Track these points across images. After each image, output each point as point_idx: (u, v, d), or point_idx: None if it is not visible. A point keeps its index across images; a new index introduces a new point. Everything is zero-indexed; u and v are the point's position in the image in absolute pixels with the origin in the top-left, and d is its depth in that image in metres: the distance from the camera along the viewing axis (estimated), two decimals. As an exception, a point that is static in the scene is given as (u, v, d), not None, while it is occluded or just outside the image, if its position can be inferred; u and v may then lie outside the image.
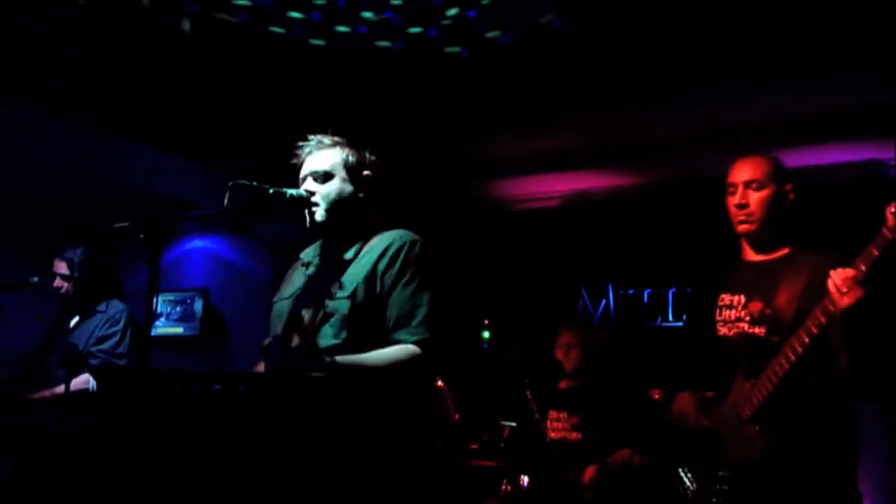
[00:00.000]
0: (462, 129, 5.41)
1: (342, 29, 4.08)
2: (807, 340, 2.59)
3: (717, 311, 2.94)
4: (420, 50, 4.26)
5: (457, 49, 4.17)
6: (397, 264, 2.53)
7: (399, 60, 4.39)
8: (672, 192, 5.98)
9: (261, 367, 2.72)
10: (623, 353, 5.80)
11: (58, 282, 4.53)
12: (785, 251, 2.88)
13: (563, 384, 4.96)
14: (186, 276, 7.23)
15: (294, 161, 2.71)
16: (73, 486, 3.91)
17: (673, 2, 3.83)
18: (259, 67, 4.62)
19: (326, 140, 2.70)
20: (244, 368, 3.37)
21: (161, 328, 7.03)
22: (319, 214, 2.61)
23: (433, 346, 2.49)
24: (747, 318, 2.85)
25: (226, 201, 2.41)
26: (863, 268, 2.47)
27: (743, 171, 2.89)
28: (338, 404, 2.17)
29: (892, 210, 2.43)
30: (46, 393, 4.26)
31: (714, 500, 2.74)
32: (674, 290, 6.25)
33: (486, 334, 6.52)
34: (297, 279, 2.75)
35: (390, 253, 2.55)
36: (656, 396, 3.87)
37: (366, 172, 2.69)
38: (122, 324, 4.44)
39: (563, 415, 4.81)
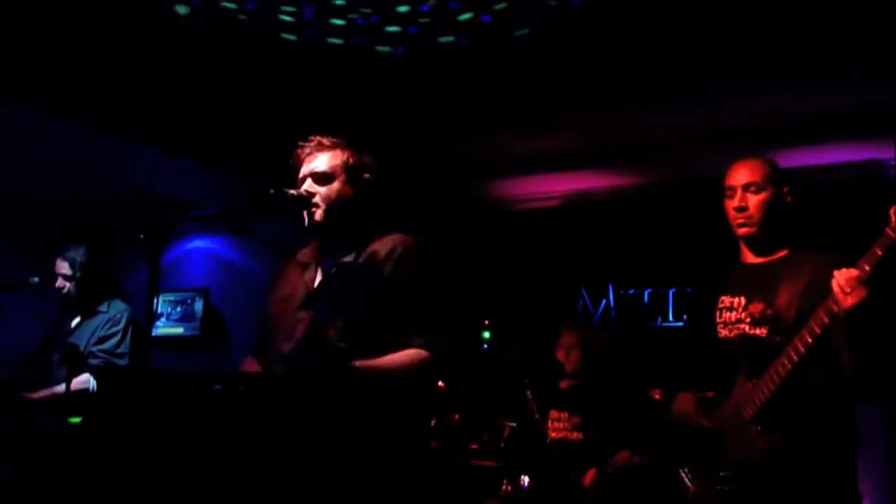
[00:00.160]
0: (462, 128, 5.41)
1: (338, 21, 4.07)
2: (810, 340, 2.59)
3: (718, 313, 2.94)
4: (420, 50, 4.27)
5: (450, 38, 4.15)
6: (403, 268, 2.54)
7: (399, 60, 4.40)
8: (672, 192, 5.98)
9: (248, 367, 2.72)
10: (623, 353, 5.80)
11: (59, 282, 4.52)
12: (784, 253, 2.88)
13: (564, 384, 4.96)
14: (187, 277, 7.23)
15: (293, 161, 2.71)
16: (73, 486, 3.91)
17: (673, 2, 3.83)
18: (259, 67, 4.62)
19: (327, 141, 2.69)
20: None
21: (161, 328, 7.03)
22: (318, 215, 2.62)
23: (442, 351, 2.52)
24: (748, 320, 2.85)
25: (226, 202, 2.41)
26: (867, 268, 2.47)
27: (741, 174, 2.89)
28: (342, 406, 2.17)
29: None
30: (46, 392, 4.26)
31: (716, 500, 2.74)
32: (674, 290, 6.25)
33: (487, 334, 6.52)
34: (293, 280, 2.74)
35: (395, 257, 2.55)
36: (657, 396, 3.87)
37: (366, 175, 2.69)
38: (123, 324, 4.44)
39: (565, 415, 4.81)
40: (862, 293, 2.46)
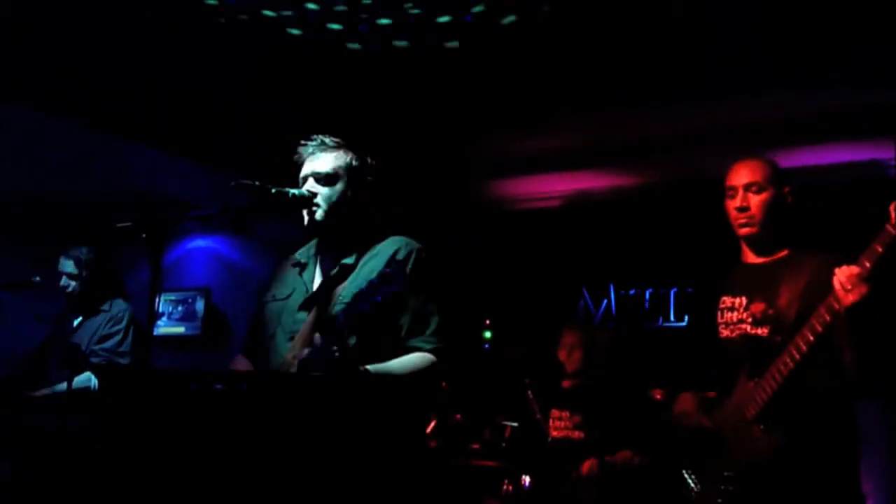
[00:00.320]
0: (462, 128, 5.41)
1: (334, 26, 4.08)
2: (812, 339, 2.59)
3: (719, 313, 2.94)
4: (421, 49, 4.27)
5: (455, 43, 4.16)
6: (406, 271, 2.54)
7: (399, 60, 4.40)
8: (673, 192, 5.98)
9: (239, 365, 2.72)
10: (625, 353, 5.80)
11: (64, 280, 4.52)
12: (784, 253, 2.89)
13: (565, 384, 4.96)
14: (188, 276, 7.24)
15: (295, 157, 2.70)
16: (73, 486, 3.91)
17: (673, 2, 3.83)
18: (259, 67, 4.62)
19: (329, 141, 2.69)
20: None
21: (163, 328, 7.03)
22: (319, 214, 2.61)
23: (446, 354, 2.54)
24: (749, 320, 2.85)
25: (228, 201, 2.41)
26: (867, 265, 2.47)
27: (742, 175, 2.89)
28: (353, 408, 2.18)
29: None
30: (47, 391, 4.26)
31: (719, 500, 2.73)
32: (675, 289, 6.25)
33: (488, 334, 6.53)
34: (291, 280, 2.74)
35: (398, 260, 2.56)
36: (657, 396, 3.88)
37: (369, 178, 2.69)
38: (124, 323, 4.44)
39: (566, 414, 4.81)
40: (863, 290, 2.47)
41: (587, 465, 4.54)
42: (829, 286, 2.54)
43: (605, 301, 6.52)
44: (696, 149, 5.45)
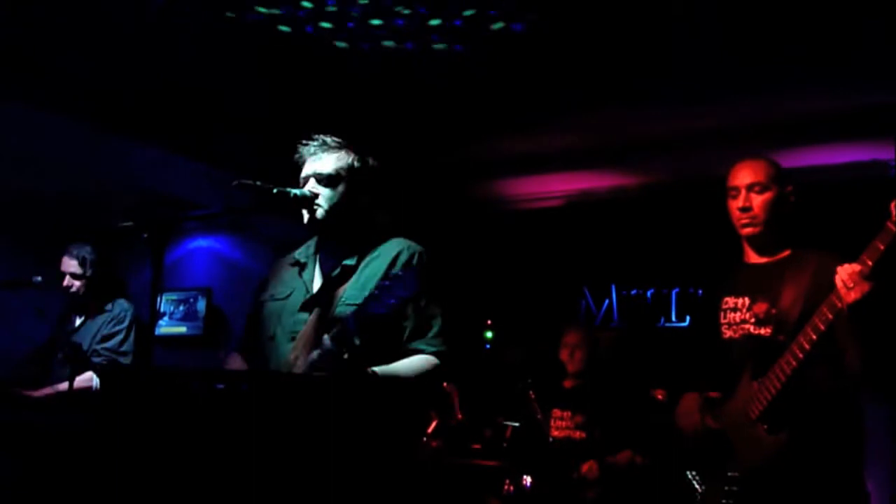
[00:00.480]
0: (463, 129, 5.41)
1: (326, 25, 4.08)
2: (814, 337, 2.59)
3: (721, 314, 2.94)
4: (421, 48, 4.27)
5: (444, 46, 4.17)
6: (408, 273, 2.54)
7: (399, 60, 4.40)
8: (674, 191, 5.98)
9: (233, 364, 2.72)
10: (626, 353, 5.80)
11: (67, 280, 4.50)
12: (786, 253, 2.89)
13: (567, 384, 4.96)
14: (189, 276, 7.23)
15: (296, 157, 2.69)
16: (73, 486, 3.91)
17: (672, 2, 3.83)
18: (259, 67, 4.63)
19: (332, 142, 2.68)
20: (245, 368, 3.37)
21: (164, 327, 7.03)
22: (319, 213, 2.61)
23: (449, 357, 2.56)
24: (752, 320, 2.85)
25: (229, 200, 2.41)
26: (869, 262, 2.48)
27: (745, 175, 2.89)
28: (359, 409, 2.18)
29: None
30: (49, 390, 4.26)
31: (723, 500, 2.73)
32: (677, 290, 6.24)
33: (489, 334, 6.53)
34: (290, 279, 2.73)
35: (401, 262, 2.56)
36: (659, 397, 3.87)
37: (369, 179, 2.69)
38: (126, 322, 4.44)
39: (567, 413, 4.81)
40: (865, 287, 2.47)
41: (588, 466, 4.55)
42: (832, 285, 2.54)
43: (607, 301, 6.52)
44: (698, 149, 5.45)
